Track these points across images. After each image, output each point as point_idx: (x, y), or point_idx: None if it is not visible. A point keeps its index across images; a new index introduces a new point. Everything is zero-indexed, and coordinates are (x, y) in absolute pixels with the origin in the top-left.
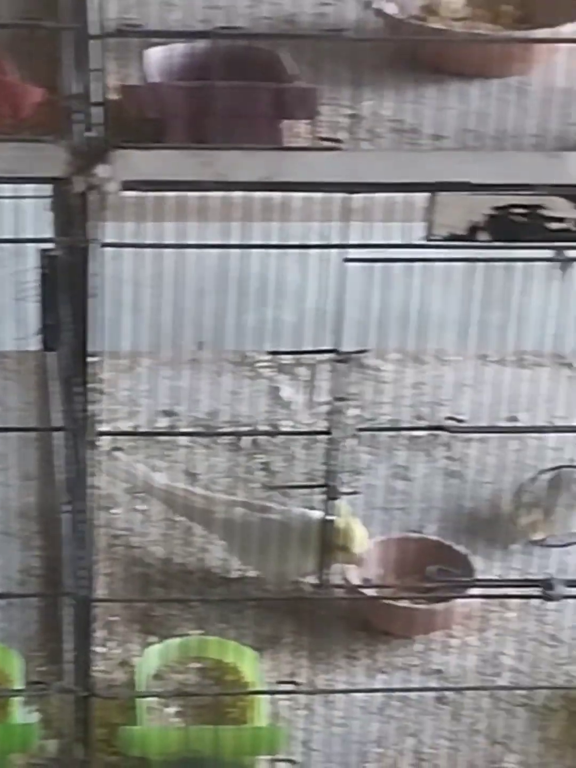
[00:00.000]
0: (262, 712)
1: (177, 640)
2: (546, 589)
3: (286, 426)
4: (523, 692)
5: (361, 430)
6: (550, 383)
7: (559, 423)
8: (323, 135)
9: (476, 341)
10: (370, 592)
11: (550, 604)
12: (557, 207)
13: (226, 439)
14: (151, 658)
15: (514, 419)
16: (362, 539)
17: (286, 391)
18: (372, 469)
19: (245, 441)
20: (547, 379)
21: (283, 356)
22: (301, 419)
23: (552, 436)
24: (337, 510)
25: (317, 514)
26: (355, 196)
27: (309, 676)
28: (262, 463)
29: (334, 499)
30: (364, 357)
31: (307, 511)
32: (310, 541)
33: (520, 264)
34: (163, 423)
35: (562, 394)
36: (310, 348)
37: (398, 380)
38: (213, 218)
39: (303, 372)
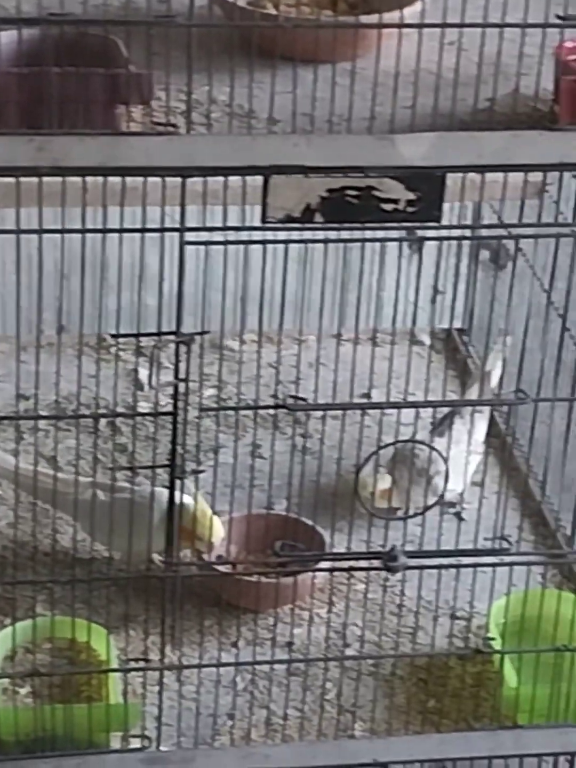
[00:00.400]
0: (115, 689)
1: (29, 621)
2: (389, 560)
3: (144, 408)
4: (371, 661)
5: (203, 410)
6: (401, 360)
7: (410, 399)
8: (158, 120)
9: (331, 321)
10: (221, 568)
11: (397, 575)
12: (390, 189)
13: (85, 423)
14: (4, 640)
15: (367, 396)
16: (217, 529)
17: (144, 374)
18: (227, 447)
19: (103, 424)
20: (399, 356)
21: (142, 339)
22: (160, 401)
23: (404, 412)
24: (193, 496)
25: (168, 492)
26: (190, 179)
27: (161, 652)
28: (119, 445)
29: (180, 478)
30: (221, 338)
31: (158, 489)
32: (161, 518)
33: (375, 244)
34: (20, 407)
35: (413, 371)
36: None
37: (255, 360)
38: (54, 203)
39: (161, 355)
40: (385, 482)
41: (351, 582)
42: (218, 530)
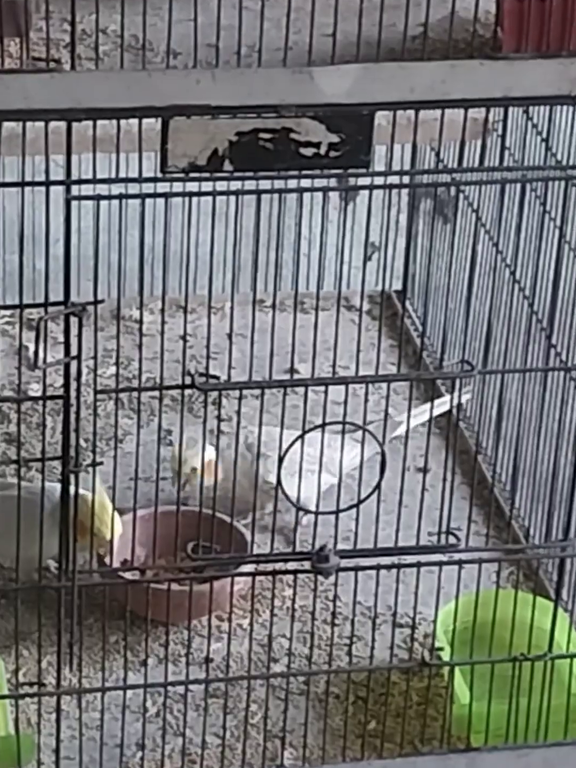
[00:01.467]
0: (4, 719)
1: None
2: (319, 561)
3: (33, 391)
4: (302, 678)
5: (101, 391)
6: (331, 329)
7: (341, 374)
8: (38, 55)
9: (248, 285)
10: (126, 575)
11: (329, 578)
12: (309, 130)
13: None
14: None
15: (291, 372)
16: (117, 525)
17: (32, 351)
18: (130, 434)
19: None
20: (329, 325)
21: (28, 310)
22: (52, 383)
23: (333, 389)
24: (91, 486)
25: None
26: (77, 123)
27: (58, 675)
28: (6, 435)
29: (74, 472)
30: (119, 307)
31: (49, 484)
32: (53, 518)
33: (294, 196)
34: None
35: (344, 341)
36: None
37: (160, 332)
38: None
39: (55, 328)
40: (207, 454)
41: (277, 587)
42: (118, 526)
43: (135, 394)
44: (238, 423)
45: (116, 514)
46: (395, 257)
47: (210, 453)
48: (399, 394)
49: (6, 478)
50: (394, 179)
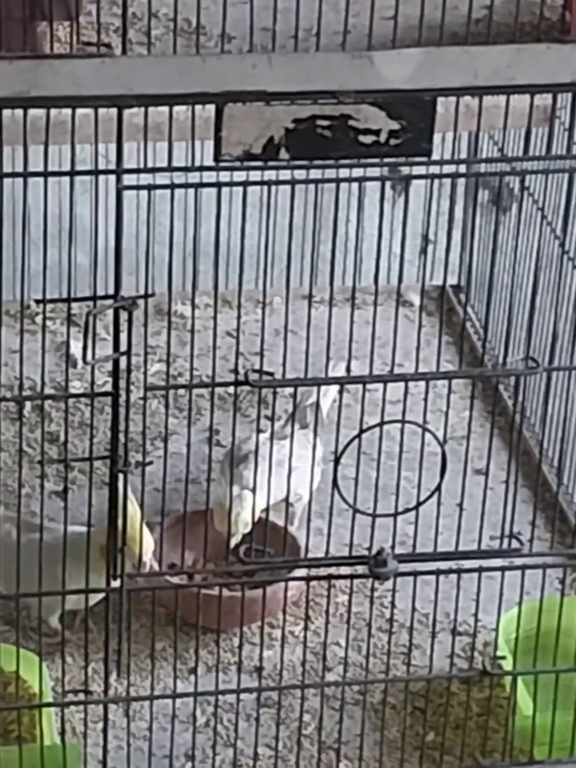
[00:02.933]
0: (50, 728)
1: None
2: (376, 566)
3: (77, 389)
4: (357, 688)
5: (150, 389)
6: (386, 325)
7: (397, 371)
8: (88, 39)
9: (299, 279)
10: (175, 579)
11: (386, 583)
12: (368, 117)
13: (6, 407)
14: None
15: (347, 369)
16: (148, 541)
17: (77, 347)
18: (179, 434)
19: (29, 408)
20: (384, 320)
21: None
22: (97, 380)
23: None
24: (125, 496)
25: (81, 530)
26: (128, 110)
27: (105, 682)
28: (49, 434)
29: (123, 472)
30: (165, 303)
31: (72, 528)
32: (77, 563)
33: (352, 185)
34: None
35: (401, 337)
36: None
37: (210, 328)
38: None
39: (98, 324)
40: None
41: (331, 593)
42: (148, 541)
43: (179, 392)
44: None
45: (146, 527)
46: (452, 250)
47: (258, 501)
48: (456, 394)
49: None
50: (452, 169)
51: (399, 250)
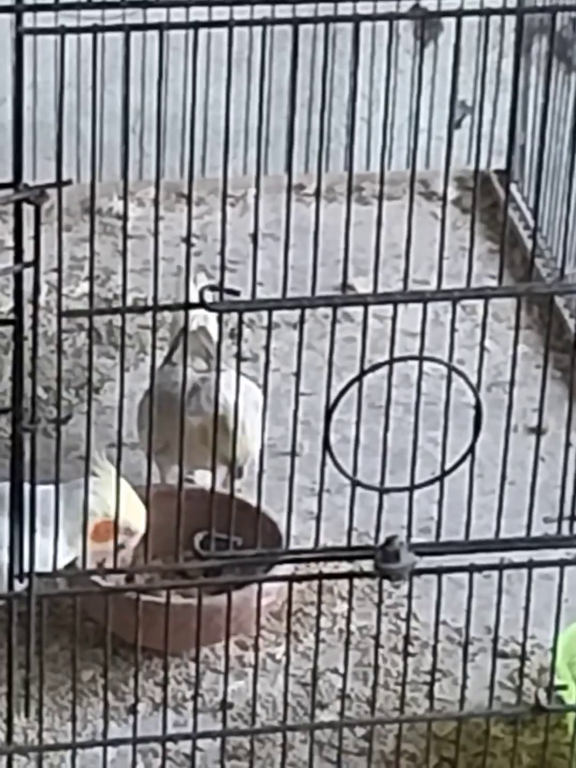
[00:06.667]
0: None
1: None
2: (385, 560)
3: None
4: (362, 732)
5: (68, 314)
6: (402, 225)
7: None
8: None
9: (282, 163)
10: (103, 580)
11: (400, 585)
12: None
13: None
14: None
15: (348, 287)
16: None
17: None
18: (112, 380)
19: None
20: (399, 219)
21: None
22: (1, 303)
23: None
24: (101, 468)
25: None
26: None
27: (8, 726)
28: None
29: (28, 430)
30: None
31: None
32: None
33: (348, 28)
34: None
35: (422, 242)
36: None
37: (151, 230)
38: None
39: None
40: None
41: (324, 599)
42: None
43: (117, 319)
44: (267, 363)
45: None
46: (496, 123)
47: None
48: (499, 321)
49: None
50: (496, 3)
51: (423, 121)
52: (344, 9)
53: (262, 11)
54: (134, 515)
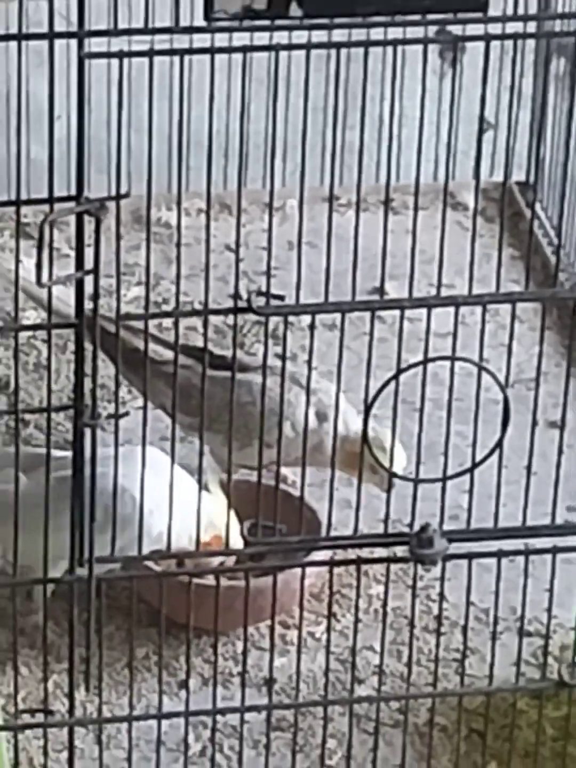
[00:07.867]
0: (2, 758)
1: None
2: (419, 546)
3: (30, 319)
4: (397, 705)
5: (124, 318)
6: (432, 233)
7: (446, 293)
8: None
9: (319, 176)
10: (157, 565)
11: (433, 569)
12: None
13: None
14: None
15: (380, 291)
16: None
17: (30, 264)
18: None
19: None
20: (429, 228)
21: (25, 209)
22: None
23: (436, 314)
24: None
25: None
26: None
27: (70, 700)
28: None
29: (89, 425)
30: (144, 208)
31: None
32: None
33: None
34: None
35: (451, 249)
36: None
37: (202, 238)
38: None
39: (57, 234)
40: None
41: (362, 582)
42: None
43: (165, 324)
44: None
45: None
46: (517, 137)
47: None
48: (523, 323)
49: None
50: (517, 28)
51: (449, 137)
52: (376, 34)
53: (301, 36)
54: (235, 534)
